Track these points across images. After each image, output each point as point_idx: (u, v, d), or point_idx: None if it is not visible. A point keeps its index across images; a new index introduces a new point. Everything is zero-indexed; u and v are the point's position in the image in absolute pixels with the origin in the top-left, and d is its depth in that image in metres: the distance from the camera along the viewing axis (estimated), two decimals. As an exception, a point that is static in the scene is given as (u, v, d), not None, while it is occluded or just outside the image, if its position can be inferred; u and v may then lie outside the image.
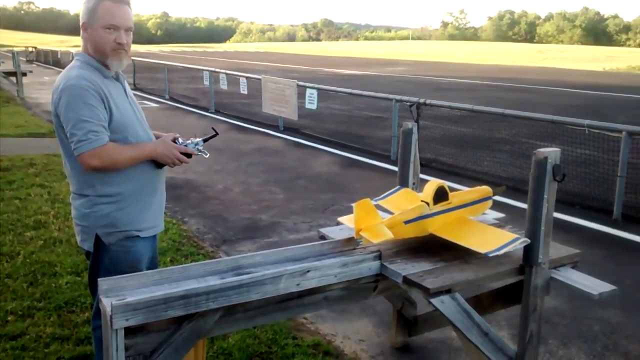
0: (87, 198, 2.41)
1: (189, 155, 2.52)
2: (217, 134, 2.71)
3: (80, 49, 2.49)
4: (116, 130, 2.38)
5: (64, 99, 2.31)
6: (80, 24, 2.42)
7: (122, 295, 2.04)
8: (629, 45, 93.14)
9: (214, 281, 2.17)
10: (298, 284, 2.26)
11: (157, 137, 2.58)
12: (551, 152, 2.41)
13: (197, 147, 2.56)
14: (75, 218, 2.49)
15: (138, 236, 2.49)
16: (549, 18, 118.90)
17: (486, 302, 2.96)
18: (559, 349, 3.44)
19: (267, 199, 6.55)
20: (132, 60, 21.33)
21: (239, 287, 2.13)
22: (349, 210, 2.62)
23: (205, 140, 2.61)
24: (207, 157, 2.63)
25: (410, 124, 3.13)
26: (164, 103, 15.96)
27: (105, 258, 2.45)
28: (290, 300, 2.34)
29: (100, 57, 2.40)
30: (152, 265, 2.66)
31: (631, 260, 4.94)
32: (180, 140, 2.55)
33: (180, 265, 2.31)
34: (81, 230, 2.47)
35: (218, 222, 5.74)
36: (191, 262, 4.55)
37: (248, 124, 12.22)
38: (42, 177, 6.95)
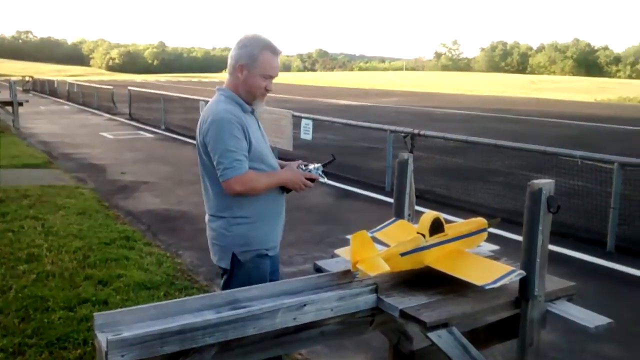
0: (225, 219, 2.69)
1: (312, 180, 2.78)
2: (334, 159, 2.94)
3: (225, 84, 2.79)
4: (253, 159, 2.66)
5: (212, 130, 2.60)
6: (236, 64, 2.69)
7: (118, 331, 2.02)
8: (620, 77, 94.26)
9: (210, 315, 2.15)
10: (295, 318, 2.25)
11: (281, 165, 2.88)
12: (545, 184, 2.42)
13: (317, 172, 2.82)
14: (212, 239, 2.78)
15: (267, 254, 2.77)
16: (540, 49, 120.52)
17: (483, 336, 2.94)
18: (557, 383, 3.42)
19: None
20: (128, 90, 21.48)
21: (235, 322, 2.12)
22: (344, 242, 2.63)
23: (324, 166, 2.87)
24: (325, 180, 2.88)
25: (406, 155, 3.15)
26: (160, 133, 16.02)
27: (240, 274, 2.71)
28: (286, 335, 2.32)
29: (249, 97, 2.73)
30: (276, 278, 2.85)
31: (626, 293, 4.94)
32: (302, 166, 2.83)
33: (177, 300, 2.30)
34: (219, 250, 2.75)
35: (213, 254, 5.71)
36: (185, 296, 4.52)
37: (243, 154, 12.22)
38: (36, 209, 6.92)
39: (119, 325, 2.08)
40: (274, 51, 2.71)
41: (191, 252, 5.80)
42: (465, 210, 7.30)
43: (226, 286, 2.71)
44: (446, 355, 2.45)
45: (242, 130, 2.61)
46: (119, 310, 2.16)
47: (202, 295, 2.37)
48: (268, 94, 2.79)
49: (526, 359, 2.55)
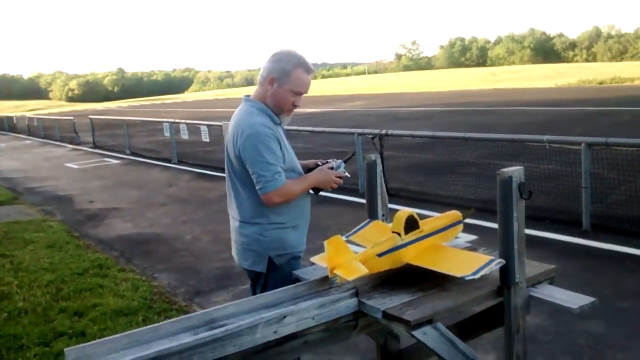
0: (260, 226, 2.76)
1: (339, 177, 2.88)
2: (354, 154, 2.96)
3: (252, 94, 2.84)
4: (287, 168, 2.75)
5: (250, 144, 2.64)
6: (268, 76, 2.73)
7: (90, 364, 1.93)
8: (577, 61, 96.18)
9: (187, 338, 2.06)
10: (275, 332, 2.18)
11: (303, 167, 2.93)
12: (515, 171, 2.39)
13: (340, 168, 2.89)
14: (244, 244, 2.82)
15: (299, 256, 2.90)
16: (498, 41, 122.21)
17: (470, 328, 2.90)
18: (547, 367, 3.40)
19: (238, 245, 6.43)
20: (90, 118, 21.16)
21: (213, 342, 2.03)
22: (322, 249, 2.57)
23: (345, 162, 2.94)
24: (348, 176, 2.96)
25: (373, 156, 3.09)
26: (125, 158, 15.78)
27: (276, 276, 2.80)
28: (268, 350, 2.24)
29: (276, 110, 2.77)
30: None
31: (605, 269, 4.97)
32: (322, 163, 2.92)
33: (150, 326, 2.21)
34: (253, 255, 2.80)
35: (189, 275, 5.60)
36: (164, 318, 4.40)
37: (213, 171, 12.13)
38: (3, 247, 6.71)
39: (91, 359, 1.99)
40: (307, 69, 2.75)
41: (167, 273, 5.67)
42: (440, 204, 7.30)
43: (262, 289, 2.79)
44: (433, 351, 2.40)
45: (278, 142, 2.70)
46: (91, 343, 2.06)
47: (176, 318, 2.28)
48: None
49: (514, 346, 2.52)
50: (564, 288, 2.57)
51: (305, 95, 2.85)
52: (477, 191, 7.81)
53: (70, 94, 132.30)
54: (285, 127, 2.96)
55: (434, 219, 2.83)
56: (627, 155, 7.03)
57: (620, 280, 4.67)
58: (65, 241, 6.92)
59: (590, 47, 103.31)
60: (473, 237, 5.09)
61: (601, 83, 37.21)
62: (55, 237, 7.13)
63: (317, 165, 2.93)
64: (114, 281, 5.32)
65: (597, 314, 3.90)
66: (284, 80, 2.71)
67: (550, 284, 2.65)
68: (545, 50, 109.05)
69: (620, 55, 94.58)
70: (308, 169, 2.96)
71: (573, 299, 2.46)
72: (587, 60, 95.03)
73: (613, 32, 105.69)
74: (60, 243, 6.81)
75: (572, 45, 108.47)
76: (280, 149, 2.72)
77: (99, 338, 4.04)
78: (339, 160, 2.92)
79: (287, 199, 2.73)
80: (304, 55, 2.79)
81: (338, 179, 2.88)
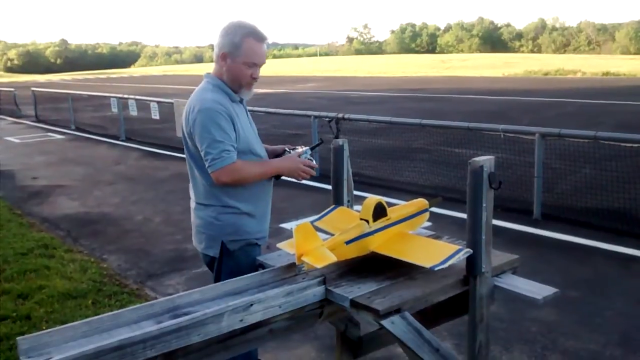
0: (213, 208, 2.66)
1: (311, 167, 2.76)
2: (322, 142, 3.01)
3: (211, 71, 2.74)
4: (241, 150, 2.61)
5: (199, 120, 2.55)
6: (220, 52, 2.64)
7: (47, 354, 1.82)
8: (522, 51, 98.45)
9: (150, 327, 1.97)
10: (241, 320, 2.12)
11: (267, 150, 2.84)
12: (486, 161, 2.38)
13: (306, 155, 2.76)
14: (199, 227, 2.74)
15: (256, 243, 2.75)
16: (448, 29, 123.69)
17: (431, 316, 2.91)
18: (502, 354, 3.46)
19: (191, 227, 6.29)
20: (32, 91, 20.30)
21: (178, 331, 1.96)
22: (277, 232, 2.53)
23: (312, 149, 2.81)
24: (316, 166, 2.84)
25: (340, 141, 3.04)
26: (70, 134, 15.23)
27: (230, 262, 2.68)
28: (233, 338, 2.18)
29: (235, 86, 2.66)
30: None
31: (555, 257, 5.10)
32: (290, 150, 2.79)
33: (111, 313, 2.11)
34: (206, 238, 2.71)
35: (140, 257, 5.45)
36: (115, 302, 4.28)
37: (163, 149, 11.84)
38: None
39: (47, 348, 1.87)
40: (258, 38, 2.63)
41: (117, 255, 5.50)
42: (395, 189, 7.34)
43: (216, 275, 2.71)
44: (400, 340, 2.39)
45: (230, 120, 2.58)
46: (47, 331, 1.94)
47: (138, 305, 2.18)
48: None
49: (477, 334, 2.54)
50: (526, 279, 2.61)
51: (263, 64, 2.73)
52: (431, 178, 7.87)
53: (9, 63, 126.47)
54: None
55: (401, 206, 2.81)
56: (570, 146, 7.23)
57: (569, 269, 4.80)
58: (7, 219, 6.62)
59: (536, 38, 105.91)
60: (427, 223, 5.15)
61: (546, 74, 38.22)
62: (-5, 214, 6.82)
63: (285, 152, 2.81)
64: (60, 262, 5.12)
65: (548, 302, 3.97)
66: (236, 54, 2.60)
67: (513, 273, 2.68)
68: (493, 40, 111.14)
69: (563, 47, 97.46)
70: (275, 155, 2.85)
71: (537, 290, 2.50)
72: (532, 51, 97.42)
73: (557, 25, 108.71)
74: (2, 221, 6.51)
75: (519, 35, 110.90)
76: (235, 127, 2.60)
77: (46, 321, 3.92)
78: (306, 147, 2.82)
79: (238, 179, 2.59)
80: (255, 24, 2.67)
81: (308, 169, 2.75)
